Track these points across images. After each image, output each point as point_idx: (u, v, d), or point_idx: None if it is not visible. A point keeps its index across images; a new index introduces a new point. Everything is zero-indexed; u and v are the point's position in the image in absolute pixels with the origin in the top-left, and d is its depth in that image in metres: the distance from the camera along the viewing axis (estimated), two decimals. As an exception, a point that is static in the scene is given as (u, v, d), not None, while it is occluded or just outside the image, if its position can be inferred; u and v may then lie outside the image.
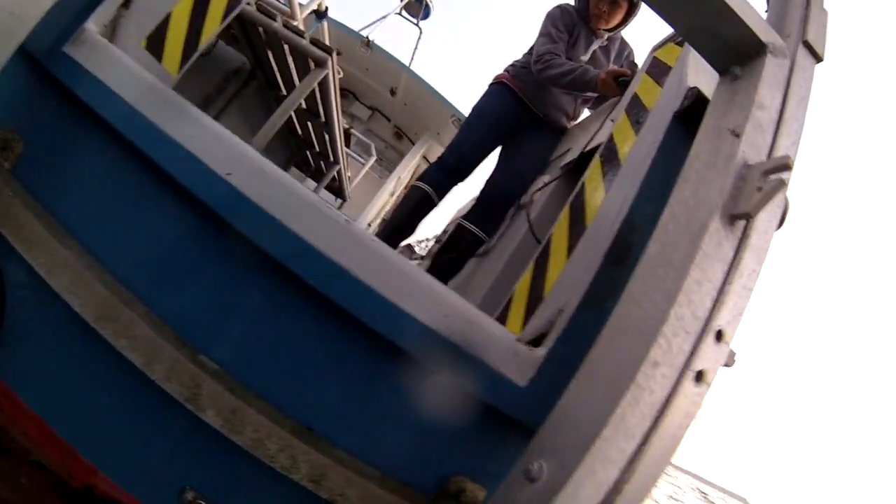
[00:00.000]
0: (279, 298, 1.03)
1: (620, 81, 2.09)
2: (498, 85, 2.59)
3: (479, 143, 2.54)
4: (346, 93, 7.12)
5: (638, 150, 1.20)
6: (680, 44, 1.57)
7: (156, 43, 1.51)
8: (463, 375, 0.93)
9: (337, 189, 6.08)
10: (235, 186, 1.02)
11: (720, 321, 0.67)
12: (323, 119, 3.95)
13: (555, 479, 0.62)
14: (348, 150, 5.99)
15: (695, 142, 0.93)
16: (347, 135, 6.21)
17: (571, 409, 0.69)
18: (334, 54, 2.91)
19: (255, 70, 3.58)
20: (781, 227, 1.33)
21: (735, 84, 0.94)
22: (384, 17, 6.19)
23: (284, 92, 3.65)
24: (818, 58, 0.92)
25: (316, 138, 4.65)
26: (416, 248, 5.67)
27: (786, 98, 0.92)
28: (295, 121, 4.46)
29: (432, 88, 5.95)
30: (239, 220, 1.01)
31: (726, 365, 0.73)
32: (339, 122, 4.08)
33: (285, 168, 6.08)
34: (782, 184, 0.74)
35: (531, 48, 2.53)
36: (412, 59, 6.61)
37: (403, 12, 6.64)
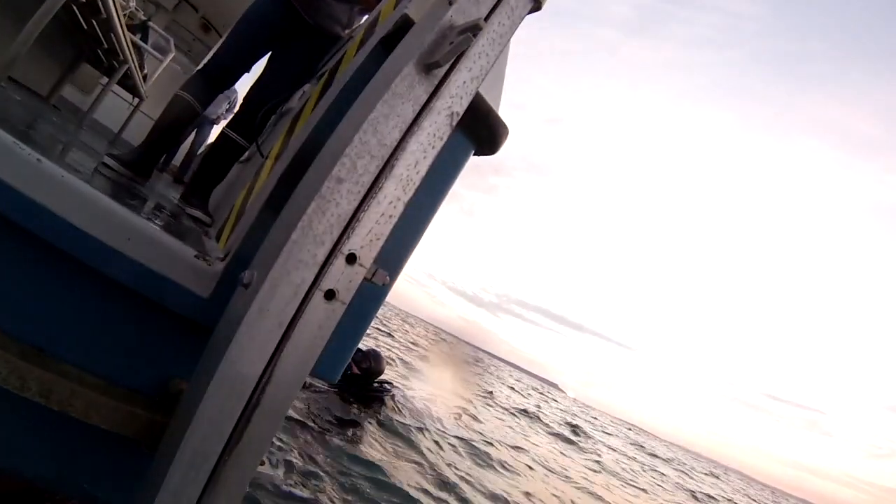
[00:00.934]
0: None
1: None
2: None
3: (244, 50, 2.43)
4: None
5: (344, 72, 1.30)
6: None
7: None
8: (155, 291, 1.06)
9: (132, 87, 5.47)
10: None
11: (407, 154, 0.80)
12: (104, 15, 3.47)
13: (258, 282, 0.71)
14: (146, 46, 5.39)
15: (423, 15, 1.03)
16: (145, 29, 5.54)
17: (276, 228, 0.79)
18: None
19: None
20: (496, 152, 1.49)
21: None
22: None
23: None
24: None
25: (103, 35, 4.09)
26: None
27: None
28: (79, 16, 3.86)
29: None
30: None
31: (367, 279, 0.84)
32: (119, 19, 3.67)
33: (75, 66, 5.29)
34: (469, 40, 0.87)
35: None
36: None
37: None
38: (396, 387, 6.45)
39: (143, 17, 5.78)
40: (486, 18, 0.97)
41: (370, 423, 5.21)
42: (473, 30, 0.90)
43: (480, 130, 1.33)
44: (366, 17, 2.54)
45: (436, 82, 0.87)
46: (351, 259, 0.76)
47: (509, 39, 0.97)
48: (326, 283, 0.75)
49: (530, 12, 1.00)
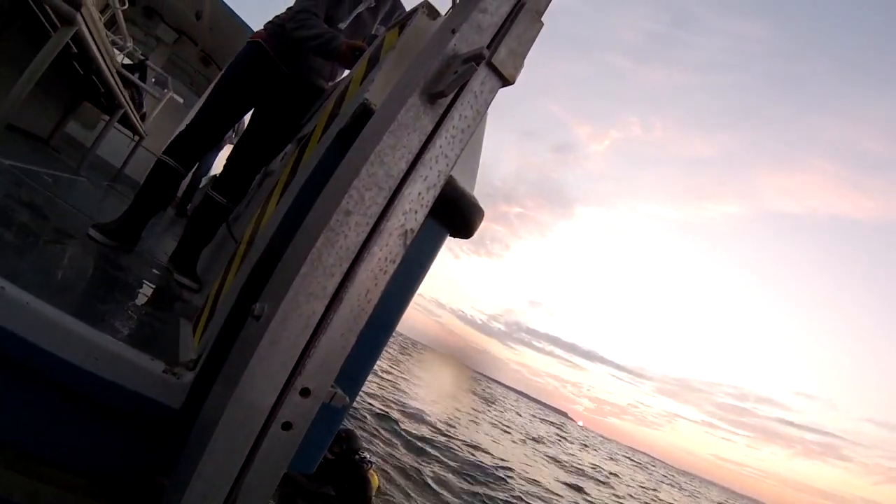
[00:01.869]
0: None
1: (357, 55, 2.05)
2: (252, 44, 2.44)
3: (227, 108, 2.41)
4: (151, 13, 6.55)
5: (308, 162, 1.31)
6: (403, 27, 1.57)
7: None
8: (127, 405, 1.11)
9: (132, 126, 5.65)
10: None
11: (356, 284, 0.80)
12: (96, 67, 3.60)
13: (269, 314, 0.73)
14: (144, 86, 5.61)
15: (427, 42, 1.06)
16: (144, 67, 5.72)
17: (286, 261, 0.81)
18: (88, 9, 2.71)
19: (14, 9, 3.13)
20: (471, 236, 1.40)
21: (467, -6, 1.06)
22: None
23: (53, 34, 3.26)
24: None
25: (99, 81, 4.24)
26: None
27: (516, 8, 1.03)
28: (75, 64, 4.02)
29: (235, 14, 5.80)
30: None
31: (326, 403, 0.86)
32: (111, 69, 3.87)
33: (76, 105, 5.44)
34: (473, 69, 0.89)
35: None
36: None
37: None
38: (375, 460, 6.49)
39: (142, 56, 6.00)
40: (503, 45, 0.97)
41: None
42: (477, 59, 0.92)
43: (453, 216, 1.31)
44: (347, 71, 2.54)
45: (441, 111, 0.89)
46: (305, 392, 0.78)
47: (476, 128, 0.93)
48: (283, 416, 0.77)
49: (503, 86, 0.95)
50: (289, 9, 2.37)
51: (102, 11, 4.63)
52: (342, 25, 2.37)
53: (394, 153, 0.80)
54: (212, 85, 2.52)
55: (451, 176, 1.04)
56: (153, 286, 2.00)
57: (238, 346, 0.82)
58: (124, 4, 4.84)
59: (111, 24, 5.03)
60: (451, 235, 1.38)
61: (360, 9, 2.39)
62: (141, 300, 1.72)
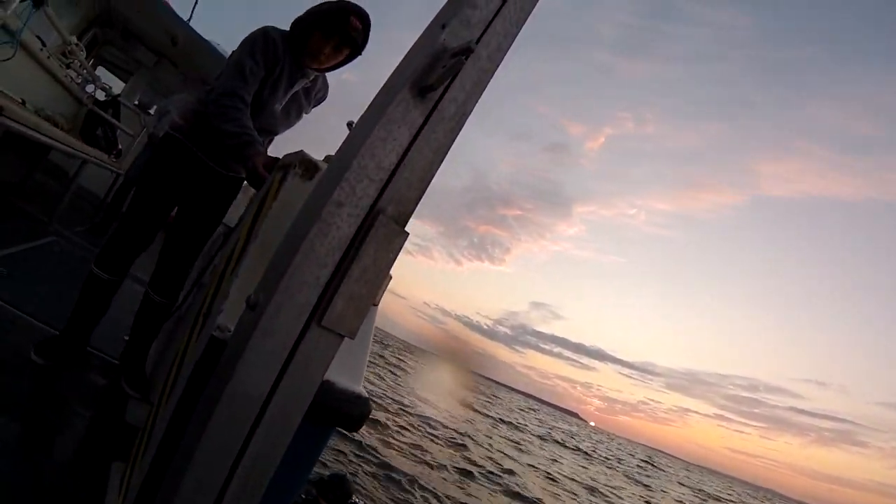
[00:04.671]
0: None
1: (260, 181, 1.95)
2: (167, 136, 2.40)
3: (149, 211, 2.40)
4: (129, 35, 6.82)
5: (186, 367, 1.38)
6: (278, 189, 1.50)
7: None
8: None
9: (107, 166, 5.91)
10: None
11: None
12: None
13: (263, 303, 0.79)
14: (118, 123, 5.88)
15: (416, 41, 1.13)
16: (117, 104, 5.90)
17: (280, 251, 0.87)
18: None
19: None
20: (359, 430, 1.50)
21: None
22: None
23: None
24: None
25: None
26: None
27: (505, 3, 1.10)
28: None
29: (206, 41, 6.14)
30: None
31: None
32: (60, 141, 4.23)
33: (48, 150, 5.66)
34: (461, 63, 0.96)
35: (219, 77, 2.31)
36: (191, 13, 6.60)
37: None
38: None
39: (115, 93, 6.26)
40: (490, 39, 1.05)
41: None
42: (465, 52, 0.99)
43: (336, 418, 1.34)
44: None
45: (431, 105, 0.96)
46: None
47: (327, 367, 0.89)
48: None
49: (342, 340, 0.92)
50: (217, 82, 2.27)
51: (65, 54, 4.88)
52: (278, 107, 2.39)
53: (384, 146, 0.87)
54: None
55: (331, 381, 1.13)
56: (87, 415, 2.05)
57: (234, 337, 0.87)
58: (82, 51, 5.06)
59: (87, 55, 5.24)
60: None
61: (298, 87, 2.42)
62: (70, 448, 1.75)
